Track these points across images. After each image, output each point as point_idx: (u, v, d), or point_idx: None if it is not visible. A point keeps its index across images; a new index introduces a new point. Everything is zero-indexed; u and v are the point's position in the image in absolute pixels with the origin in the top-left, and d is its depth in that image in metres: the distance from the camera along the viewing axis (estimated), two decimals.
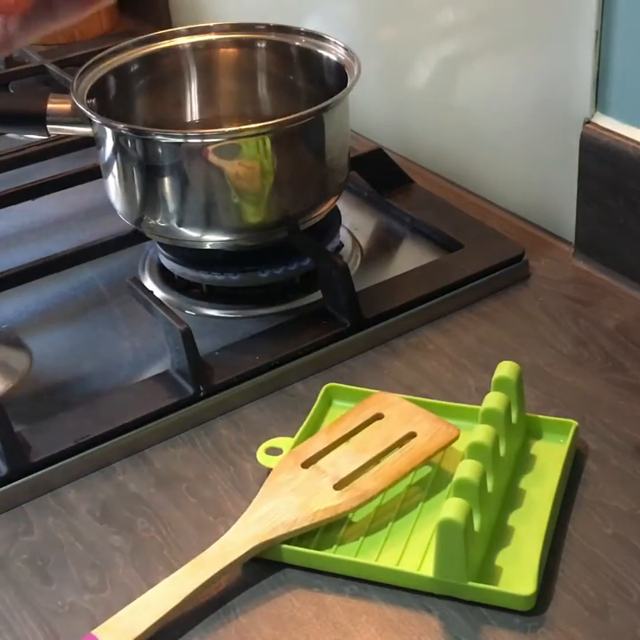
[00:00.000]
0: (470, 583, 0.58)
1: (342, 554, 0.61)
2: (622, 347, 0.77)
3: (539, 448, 0.67)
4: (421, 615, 0.58)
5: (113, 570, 0.62)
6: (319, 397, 0.71)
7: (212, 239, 0.80)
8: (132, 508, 0.66)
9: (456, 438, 0.65)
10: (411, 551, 0.61)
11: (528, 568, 0.59)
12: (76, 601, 0.60)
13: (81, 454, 0.69)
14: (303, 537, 0.62)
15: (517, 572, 0.59)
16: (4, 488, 0.66)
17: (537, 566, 0.58)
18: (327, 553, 0.61)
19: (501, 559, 0.60)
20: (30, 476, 0.67)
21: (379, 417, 0.68)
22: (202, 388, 0.72)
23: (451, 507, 0.57)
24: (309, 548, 0.61)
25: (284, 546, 0.61)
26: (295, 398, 0.74)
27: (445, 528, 0.57)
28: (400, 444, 0.66)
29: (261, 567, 0.61)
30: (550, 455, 0.66)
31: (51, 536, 0.65)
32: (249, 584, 0.61)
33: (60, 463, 0.68)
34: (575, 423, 0.67)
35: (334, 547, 0.62)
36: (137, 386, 0.74)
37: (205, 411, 0.72)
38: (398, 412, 0.68)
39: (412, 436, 0.66)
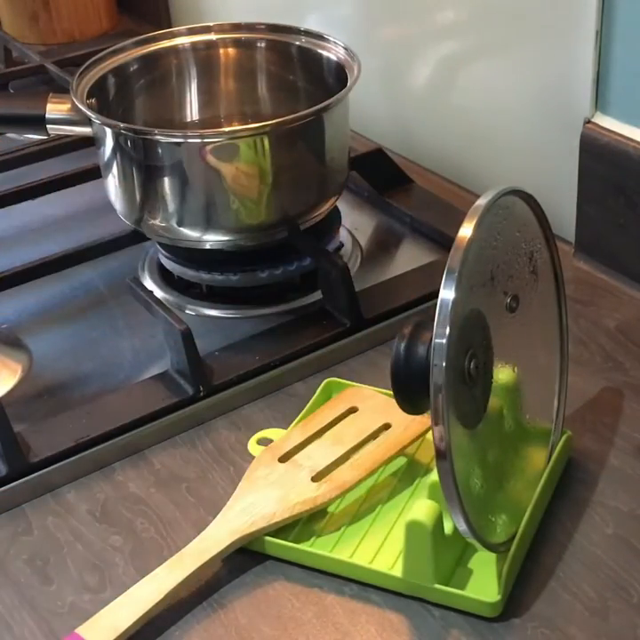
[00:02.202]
0: (437, 586, 0.58)
1: (319, 547, 0.61)
2: (622, 347, 0.77)
3: (530, 454, 0.66)
4: (422, 616, 0.58)
5: (113, 570, 0.62)
6: (318, 391, 0.71)
7: (212, 239, 0.80)
8: (132, 508, 0.66)
9: (430, 428, 0.65)
10: (387, 549, 0.61)
11: (498, 574, 0.58)
12: (76, 601, 0.60)
13: (81, 454, 0.69)
14: (281, 529, 0.62)
15: (488, 577, 0.59)
16: (3, 488, 0.66)
17: (505, 572, 0.57)
18: (303, 546, 0.61)
19: (475, 563, 0.60)
20: (30, 476, 0.67)
21: (353, 410, 0.68)
22: (202, 388, 0.72)
23: (419, 508, 0.57)
24: (288, 540, 0.62)
25: (265, 538, 0.61)
26: (295, 398, 0.74)
27: (413, 529, 0.57)
28: (375, 435, 0.66)
29: (261, 568, 0.61)
30: (539, 462, 0.65)
31: (51, 536, 0.65)
32: (249, 584, 0.61)
33: (60, 463, 0.68)
34: (568, 433, 0.66)
35: (313, 539, 0.62)
36: (137, 386, 0.74)
37: (205, 411, 0.72)
38: (373, 405, 0.69)
39: (386, 427, 0.67)
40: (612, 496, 0.65)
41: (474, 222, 0.55)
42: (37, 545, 0.64)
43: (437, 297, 0.53)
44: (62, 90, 0.88)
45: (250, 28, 0.90)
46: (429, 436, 0.66)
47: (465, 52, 0.94)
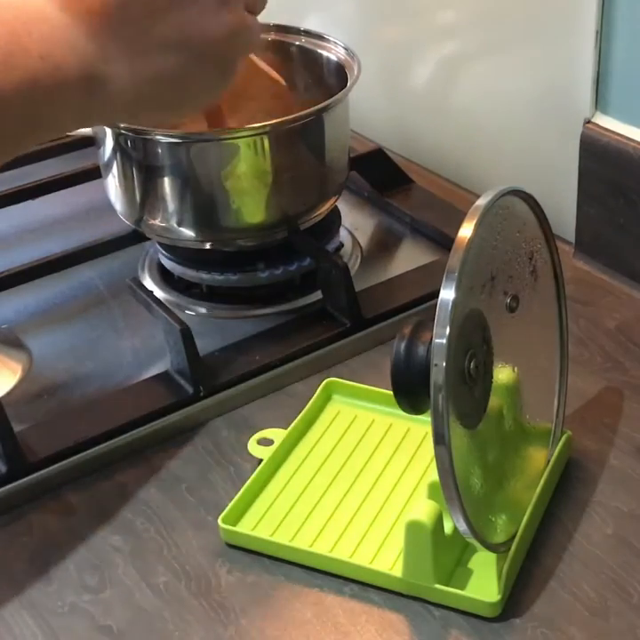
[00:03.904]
0: (437, 586, 0.58)
1: (319, 547, 0.61)
2: (622, 347, 0.77)
3: (530, 454, 0.66)
4: (422, 616, 0.58)
5: (113, 570, 0.62)
6: (318, 391, 0.71)
7: (212, 239, 0.80)
8: (132, 508, 0.66)
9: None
10: (387, 549, 0.61)
11: (498, 574, 0.58)
12: (76, 601, 0.60)
13: (81, 454, 0.69)
14: (281, 529, 0.62)
15: (488, 577, 0.59)
16: (4, 488, 0.66)
17: (505, 572, 0.58)
18: (303, 546, 0.61)
19: (475, 563, 0.60)
20: (30, 476, 0.67)
21: None
22: (202, 388, 0.72)
23: (419, 508, 0.57)
24: (288, 540, 0.62)
25: (259, 535, 0.61)
26: (295, 398, 0.74)
27: (413, 529, 0.57)
28: None
29: (261, 568, 0.61)
30: (539, 462, 0.65)
31: (51, 536, 0.65)
32: (249, 584, 0.61)
33: (60, 463, 0.68)
34: (568, 433, 0.66)
35: (313, 539, 0.62)
36: (137, 386, 0.74)
37: (205, 411, 0.72)
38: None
39: None
40: (612, 496, 0.65)
41: (474, 222, 0.55)
42: (37, 545, 0.64)
43: (437, 297, 0.53)
44: None
45: None
46: (429, 436, 0.66)
47: (465, 52, 0.94)
